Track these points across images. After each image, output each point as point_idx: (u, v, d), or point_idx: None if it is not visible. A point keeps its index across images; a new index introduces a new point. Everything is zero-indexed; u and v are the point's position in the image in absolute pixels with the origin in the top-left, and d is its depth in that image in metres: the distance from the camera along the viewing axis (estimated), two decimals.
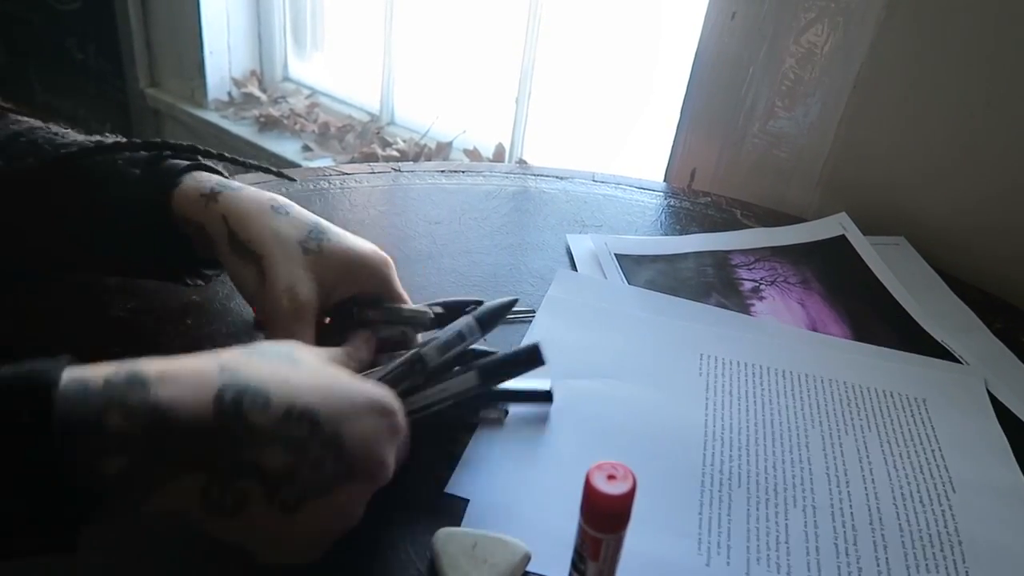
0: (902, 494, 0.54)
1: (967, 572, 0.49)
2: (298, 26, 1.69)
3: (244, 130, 1.62)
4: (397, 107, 1.59)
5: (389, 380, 0.47)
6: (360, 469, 0.39)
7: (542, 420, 0.57)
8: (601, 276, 0.74)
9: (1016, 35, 0.75)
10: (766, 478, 0.55)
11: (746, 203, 0.91)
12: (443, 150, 1.49)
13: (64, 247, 0.56)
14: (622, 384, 0.61)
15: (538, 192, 0.88)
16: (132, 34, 1.70)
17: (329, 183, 0.84)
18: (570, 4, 1.32)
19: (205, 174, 0.54)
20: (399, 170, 0.89)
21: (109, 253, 0.56)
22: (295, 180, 0.65)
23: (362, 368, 0.49)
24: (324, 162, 1.52)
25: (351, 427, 0.39)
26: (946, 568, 0.50)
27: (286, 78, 1.74)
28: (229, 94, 1.69)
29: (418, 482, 0.51)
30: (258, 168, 0.61)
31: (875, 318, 0.73)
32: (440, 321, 0.54)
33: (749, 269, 0.78)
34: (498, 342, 0.64)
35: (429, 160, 1.48)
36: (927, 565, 0.50)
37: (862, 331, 0.71)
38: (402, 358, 0.49)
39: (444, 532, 0.47)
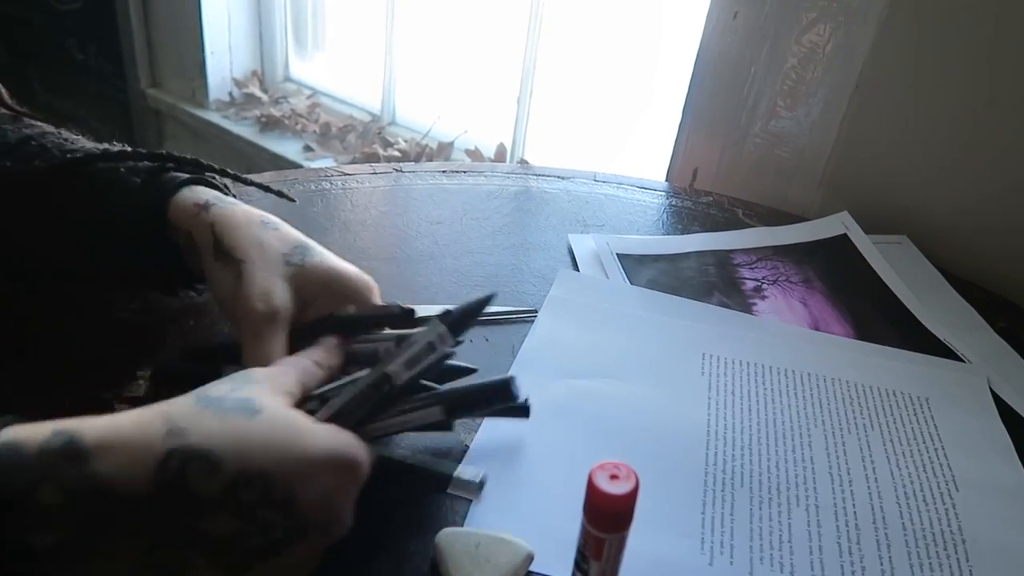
0: (905, 493, 0.54)
1: (970, 571, 0.49)
2: (299, 26, 1.69)
3: (245, 130, 1.62)
4: (398, 107, 1.59)
5: (352, 405, 0.43)
6: (315, 527, 0.38)
7: (544, 420, 0.57)
8: (603, 276, 0.74)
9: (1017, 34, 0.75)
10: (769, 477, 0.54)
11: (748, 202, 0.91)
12: (444, 150, 1.49)
13: (62, 251, 0.56)
14: (624, 384, 0.61)
15: (540, 192, 0.88)
16: (133, 34, 1.70)
17: (331, 183, 0.84)
18: (571, 4, 1.32)
19: (205, 188, 0.54)
20: (400, 170, 0.89)
21: (105, 259, 0.56)
22: (295, 201, 0.64)
23: (331, 376, 0.47)
24: (325, 162, 1.52)
25: (307, 487, 0.37)
26: (949, 567, 0.49)
27: (287, 78, 1.74)
28: (230, 94, 1.69)
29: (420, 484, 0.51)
30: (257, 186, 0.61)
31: (878, 317, 0.73)
32: (411, 322, 0.52)
33: (751, 268, 0.77)
34: (499, 342, 0.64)
35: (430, 160, 1.48)
36: (930, 564, 0.49)
37: (865, 330, 0.71)
38: (367, 378, 0.44)
39: (447, 532, 0.47)
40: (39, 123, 0.59)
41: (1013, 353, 0.70)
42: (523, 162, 1.40)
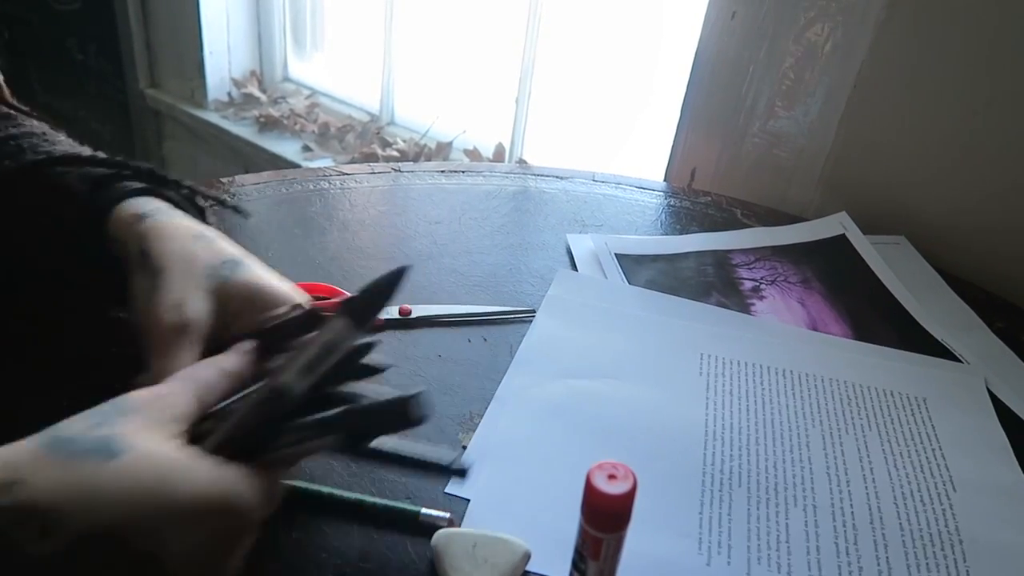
0: (903, 493, 0.54)
1: (968, 571, 0.49)
2: (298, 26, 1.69)
3: (244, 130, 1.62)
4: (397, 107, 1.59)
5: (241, 430, 0.38)
6: None
7: (542, 420, 0.57)
8: (601, 276, 0.74)
9: (1016, 34, 0.75)
10: (767, 477, 0.54)
11: (746, 202, 0.91)
12: (443, 150, 1.49)
13: (29, 253, 0.55)
14: (622, 384, 0.61)
15: (538, 192, 0.88)
16: (132, 34, 1.70)
17: (329, 183, 0.84)
18: (570, 4, 1.32)
19: (154, 200, 0.51)
20: (399, 170, 0.89)
21: (53, 266, 0.54)
22: (249, 216, 0.64)
23: (242, 385, 0.42)
24: (324, 162, 1.52)
25: (173, 541, 0.32)
26: (947, 567, 0.49)
27: (286, 78, 1.74)
28: (229, 94, 1.69)
29: (419, 481, 0.51)
30: (209, 197, 0.58)
31: (875, 317, 0.73)
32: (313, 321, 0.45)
33: (749, 268, 0.78)
34: (497, 342, 0.64)
35: (429, 160, 1.48)
36: (928, 564, 0.50)
37: (862, 330, 0.71)
38: (256, 394, 0.39)
39: (444, 532, 0.47)
40: (30, 122, 0.57)
41: (1011, 353, 0.70)
42: (522, 162, 1.40)
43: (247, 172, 0.88)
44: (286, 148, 1.57)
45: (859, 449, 0.58)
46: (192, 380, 0.39)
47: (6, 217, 0.53)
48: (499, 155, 1.43)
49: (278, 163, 1.54)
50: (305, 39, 1.70)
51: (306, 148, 1.56)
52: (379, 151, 1.49)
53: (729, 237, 0.82)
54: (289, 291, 0.48)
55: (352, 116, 1.61)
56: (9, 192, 0.53)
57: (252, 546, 0.36)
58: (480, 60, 1.45)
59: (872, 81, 0.84)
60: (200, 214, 0.55)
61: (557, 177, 0.91)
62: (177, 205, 0.53)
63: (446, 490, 0.51)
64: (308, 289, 0.67)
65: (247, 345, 0.43)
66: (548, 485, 0.52)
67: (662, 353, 0.65)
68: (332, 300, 0.66)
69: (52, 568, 0.30)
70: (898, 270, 0.79)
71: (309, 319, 0.45)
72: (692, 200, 0.90)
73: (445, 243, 0.77)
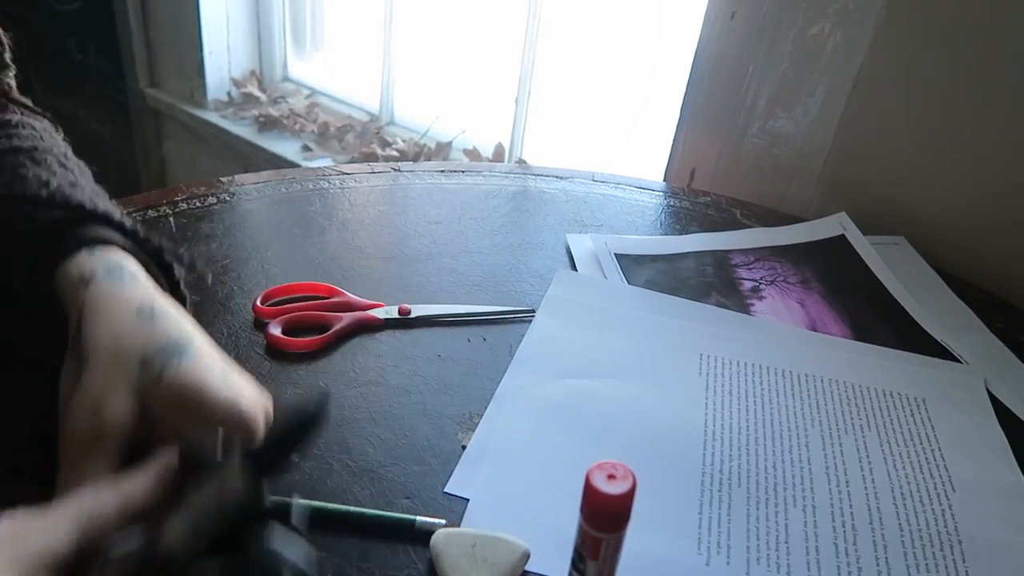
0: (902, 494, 0.54)
1: (967, 571, 0.49)
2: (298, 26, 1.69)
3: (244, 130, 1.62)
4: (397, 107, 1.58)
5: None
6: None
7: (542, 420, 0.57)
8: (601, 276, 0.74)
9: (1015, 34, 0.75)
10: (766, 478, 0.55)
11: (746, 203, 0.91)
12: (443, 150, 1.49)
13: None
14: (622, 384, 0.61)
15: (538, 192, 0.88)
16: (132, 34, 1.70)
17: (329, 183, 0.84)
18: (570, 4, 1.32)
19: (108, 255, 0.45)
20: (399, 170, 0.89)
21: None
22: (173, 255, 0.51)
23: (147, 508, 0.36)
24: (324, 162, 1.52)
25: None
26: (946, 567, 0.50)
27: (286, 78, 1.74)
28: (229, 94, 1.69)
29: (418, 480, 0.51)
30: (155, 250, 0.50)
31: (875, 318, 0.73)
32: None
33: (749, 269, 0.78)
34: (496, 342, 0.64)
35: (429, 160, 1.48)
36: (927, 564, 0.50)
37: (862, 331, 0.71)
38: (134, 552, 0.33)
39: (444, 532, 0.47)
40: (28, 130, 0.53)
41: (1010, 354, 0.70)
42: (521, 162, 1.40)
43: (247, 172, 0.88)
44: (286, 148, 1.57)
45: (858, 449, 0.58)
46: (79, 509, 0.34)
47: None
48: (499, 155, 1.43)
49: (278, 163, 1.54)
50: (305, 39, 1.70)
51: (306, 148, 1.56)
52: (379, 151, 1.49)
53: (728, 237, 0.82)
54: (228, 402, 0.41)
55: (352, 116, 1.61)
56: None
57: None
58: (480, 60, 1.45)
59: (872, 81, 0.84)
60: (163, 265, 0.50)
61: (557, 177, 0.91)
62: (140, 253, 0.47)
63: (446, 489, 0.51)
64: (308, 289, 0.67)
65: (161, 465, 0.37)
66: (547, 485, 0.52)
67: (661, 353, 0.65)
68: (331, 300, 0.67)
69: None
70: (897, 270, 0.79)
71: (233, 448, 0.38)
72: (692, 200, 0.90)
73: (445, 243, 0.77)
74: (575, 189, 0.89)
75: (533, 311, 0.68)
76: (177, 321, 0.44)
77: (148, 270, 0.47)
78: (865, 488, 0.55)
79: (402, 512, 0.49)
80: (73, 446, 0.39)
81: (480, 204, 0.84)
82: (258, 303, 0.64)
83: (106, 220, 0.47)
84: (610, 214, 0.85)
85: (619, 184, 0.91)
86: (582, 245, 0.78)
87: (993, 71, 0.77)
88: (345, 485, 0.51)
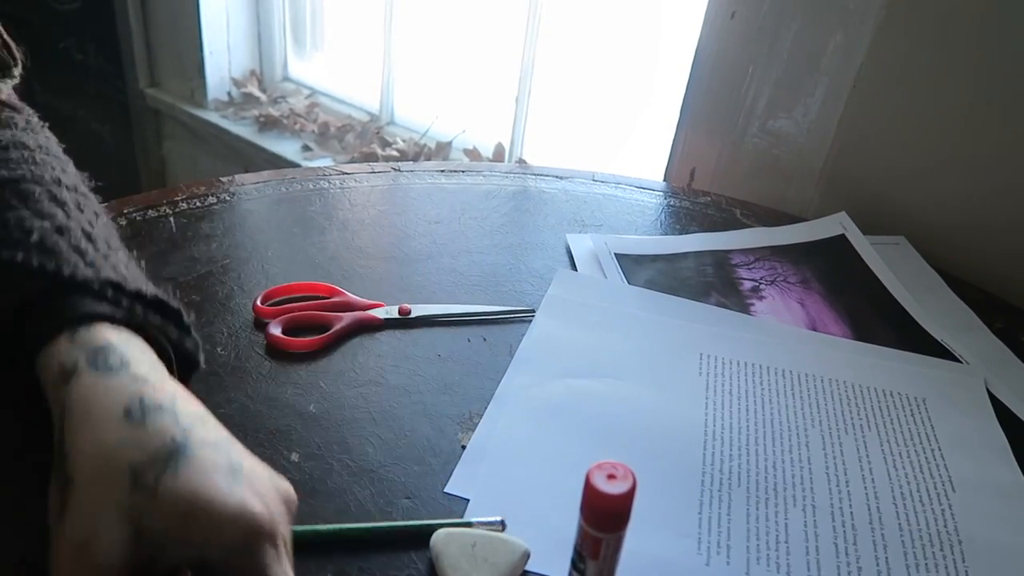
0: (902, 493, 0.54)
1: (967, 571, 0.49)
2: (298, 26, 1.69)
3: (244, 130, 1.62)
4: (397, 107, 1.58)
5: None
6: None
7: (542, 419, 0.57)
8: (601, 276, 0.74)
9: (1015, 33, 0.75)
10: (766, 477, 0.55)
11: (746, 202, 0.91)
12: (443, 150, 1.49)
13: None
14: (622, 384, 0.61)
15: (538, 192, 0.88)
16: (132, 34, 1.70)
17: (329, 183, 0.84)
18: (570, 4, 1.32)
19: (97, 334, 0.39)
20: (399, 170, 0.89)
21: None
22: (199, 364, 0.46)
23: None
24: (324, 162, 1.52)
25: None
26: (946, 567, 0.50)
27: (286, 78, 1.74)
28: (229, 94, 1.69)
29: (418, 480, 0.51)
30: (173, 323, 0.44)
31: (875, 317, 0.73)
32: None
33: (749, 269, 0.78)
34: (496, 342, 0.64)
35: (429, 160, 1.48)
36: (927, 564, 0.50)
37: (862, 331, 0.71)
38: None
39: (444, 532, 0.47)
40: (19, 150, 0.47)
41: (1010, 354, 0.70)
42: (521, 162, 1.40)
43: (247, 171, 0.88)
44: (286, 148, 1.57)
45: (858, 449, 0.58)
46: None
47: None
48: (499, 155, 1.43)
49: (278, 162, 1.54)
50: (305, 39, 1.70)
51: (306, 148, 1.56)
52: (379, 151, 1.49)
53: (728, 237, 0.82)
54: (240, 512, 0.35)
55: (352, 116, 1.61)
56: None
57: None
58: (480, 60, 1.45)
59: (872, 81, 0.84)
60: (168, 329, 0.43)
61: (557, 177, 0.91)
62: (133, 324, 0.41)
63: (446, 489, 0.51)
64: (308, 289, 0.67)
65: None
66: (547, 485, 0.52)
67: (661, 353, 0.65)
68: (331, 300, 0.67)
69: None
70: (898, 270, 0.79)
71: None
72: (692, 200, 0.90)
73: (445, 243, 0.77)
74: (575, 189, 0.89)
75: (533, 311, 0.68)
76: (173, 413, 0.37)
77: (148, 334, 0.41)
78: (865, 488, 0.55)
79: (402, 512, 0.49)
80: None
81: (480, 204, 0.84)
82: (258, 303, 0.65)
83: (92, 287, 0.40)
84: (610, 214, 0.85)
85: (619, 184, 0.91)
86: (582, 245, 0.78)
87: (993, 71, 0.77)
88: (345, 485, 0.51)
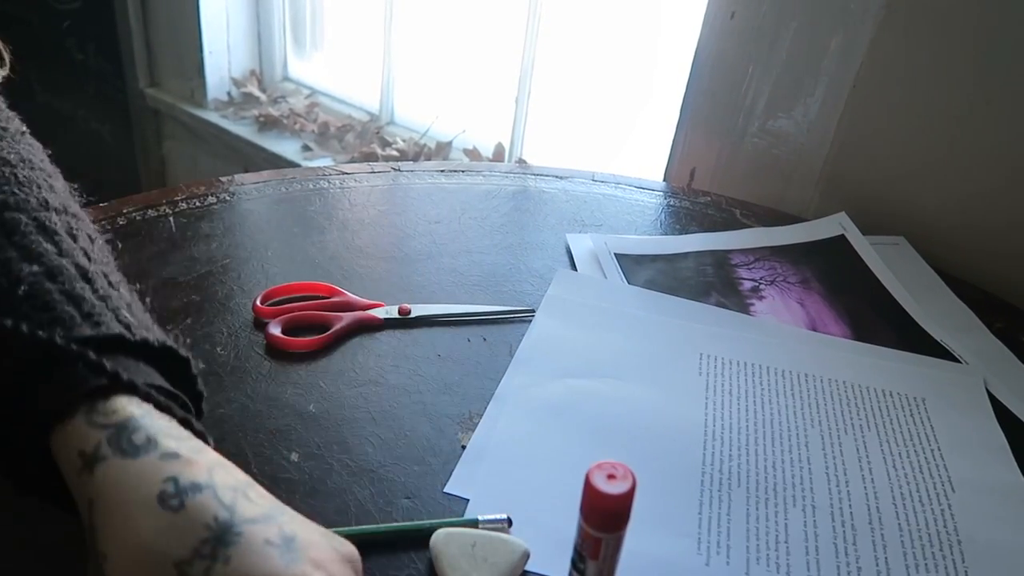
0: (901, 493, 0.54)
1: (966, 571, 0.49)
2: (298, 26, 1.69)
3: (244, 130, 1.62)
4: (397, 107, 1.58)
5: None
6: None
7: (541, 419, 0.57)
8: (601, 276, 0.74)
9: (1015, 33, 0.75)
10: (766, 477, 0.55)
11: (745, 203, 0.91)
12: (443, 150, 1.48)
13: None
14: (622, 383, 0.61)
15: (538, 192, 0.88)
16: (132, 34, 1.70)
17: (329, 183, 0.84)
18: (570, 4, 1.32)
19: (115, 409, 0.34)
20: (399, 169, 0.89)
21: None
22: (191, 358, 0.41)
23: None
24: (324, 162, 1.52)
25: None
26: (945, 567, 0.50)
27: (286, 78, 1.74)
28: (229, 94, 1.69)
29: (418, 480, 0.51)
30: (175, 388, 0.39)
31: (875, 318, 0.73)
32: None
33: (749, 269, 0.78)
34: (496, 342, 0.64)
35: (429, 160, 1.48)
36: (926, 564, 0.50)
37: (862, 331, 0.71)
38: None
39: (444, 532, 0.47)
40: (16, 161, 0.42)
41: (1009, 354, 0.70)
42: (521, 162, 1.40)
43: (247, 171, 0.88)
44: (286, 147, 1.57)
45: (858, 449, 0.58)
46: None
47: None
48: (499, 155, 1.43)
49: (278, 162, 1.54)
50: (305, 39, 1.70)
51: (306, 147, 1.56)
52: (379, 150, 1.49)
53: (728, 237, 0.82)
54: None
55: (352, 116, 1.61)
56: None
57: None
58: (480, 60, 1.45)
59: (871, 81, 0.84)
60: (187, 401, 0.39)
61: (557, 177, 0.91)
62: (152, 397, 0.36)
63: (445, 489, 0.51)
64: (308, 289, 0.67)
65: None
66: (547, 484, 0.52)
67: (661, 353, 0.65)
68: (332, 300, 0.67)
69: None
70: (897, 270, 0.79)
71: None
72: (691, 200, 0.90)
73: (445, 243, 0.77)
74: (575, 189, 0.89)
75: (533, 311, 0.68)
76: (212, 488, 0.33)
77: (158, 403, 0.36)
78: (865, 488, 0.55)
79: (402, 512, 0.49)
80: None
81: (480, 204, 0.84)
82: (258, 303, 0.65)
83: (93, 357, 0.35)
84: (610, 214, 0.85)
85: (619, 184, 0.91)
86: (582, 245, 0.78)
87: (993, 70, 0.77)
88: (345, 485, 0.51)
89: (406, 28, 1.51)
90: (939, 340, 0.70)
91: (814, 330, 0.70)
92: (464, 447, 0.54)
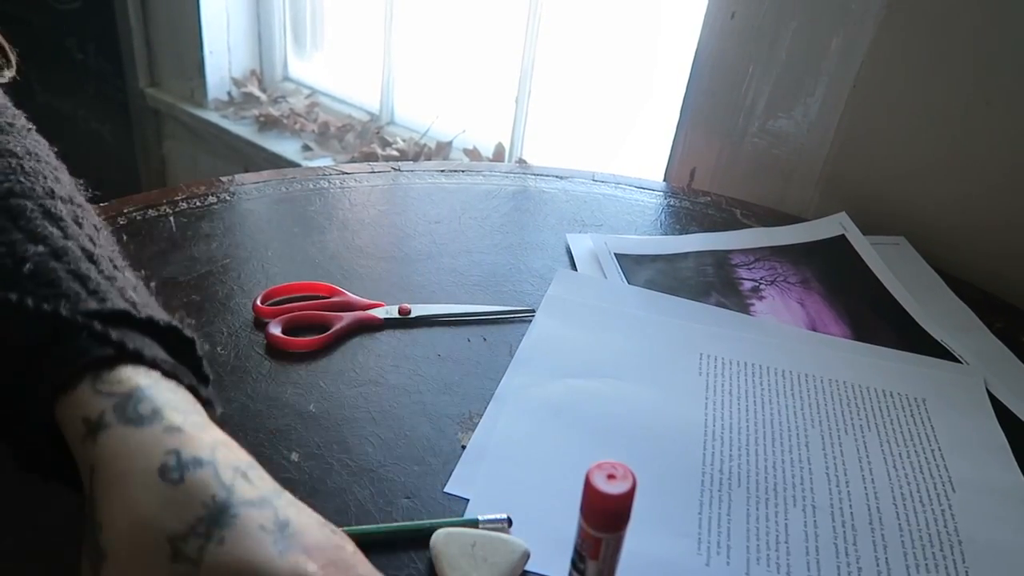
0: (902, 494, 0.54)
1: (967, 572, 0.49)
2: (298, 26, 1.69)
3: (244, 130, 1.62)
4: (397, 107, 1.58)
5: None
6: None
7: (541, 419, 0.57)
8: (601, 276, 0.74)
9: (1015, 34, 0.75)
10: (766, 478, 0.55)
11: (746, 203, 0.91)
12: (443, 150, 1.49)
13: None
14: (622, 383, 0.61)
15: (538, 191, 0.88)
16: (132, 34, 1.70)
17: (329, 182, 0.84)
18: (570, 4, 1.32)
19: (120, 379, 0.34)
20: (399, 169, 0.89)
21: None
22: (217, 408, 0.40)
23: None
24: (324, 162, 1.52)
25: None
26: (946, 568, 0.50)
27: (286, 78, 1.74)
28: (229, 94, 1.69)
29: (418, 480, 0.51)
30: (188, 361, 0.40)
31: (875, 318, 0.73)
32: None
33: (749, 269, 0.78)
34: (496, 342, 0.64)
35: (429, 159, 1.48)
36: (927, 565, 0.50)
37: (862, 331, 0.71)
38: None
39: (444, 532, 0.47)
40: (6, 158, 0.42)
41: (1010, 354, 0.70)
42: (521, 162, 1.40)
43: (247, 171, 0.88)
44: (286, 147, 1.57)
45: (858, 450, 0.58)
46: None
47: None
48: (499, 155, 1.43)
49: (278, 162, 1.54)
50: (305, 39, 1.70)
51: (306, 147, 1.56)
52: (379, 150, 1.49)
53: (728, 237, 0.82)
54: (294, 566, 0.32)
55: (352, 116, 1.61)
56: None
57: None
58: (480, 60, 1.45)
59: (871, 81, 0.84)
60: (193, 370, 0.39)
61: (557, 177, 0.91)
62: (158, 365, 0.36)
63: (446, 489, 0.51)
64: (308, 289, 0.67)
65: None
66: (547, 484, 0.52)
67: (661, 353, 0.65)
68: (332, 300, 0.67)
69: None
70: (897, 271, 0.79)
71: None
72: (692, 200, 0.90)
73: (445, 243, 0.77)
74: (575, 189, 0.89)
75: (533, 311, 0.68)
76: (213, 466, 0.33)
77: (164, 371, 0.37)
78: (865, 488, 0.55)
79: (402, 512, 0.49)
80: None
81: (480, 204, 0.84)
82: (258, 303, 0.65)
83: (118, 318, 0.36)
84: (610, 214, 0.85)
85: (619, 184, 0.91)
86: (582, 245, 0.78)
87: (993, 70, 0.77)
88: (345, 485, 0.51)
89: (406, 28, 1.51)
90: (939, 340, 0.70)
91: (814, 330, 0.70)
92: (464, 447, 0.54)
